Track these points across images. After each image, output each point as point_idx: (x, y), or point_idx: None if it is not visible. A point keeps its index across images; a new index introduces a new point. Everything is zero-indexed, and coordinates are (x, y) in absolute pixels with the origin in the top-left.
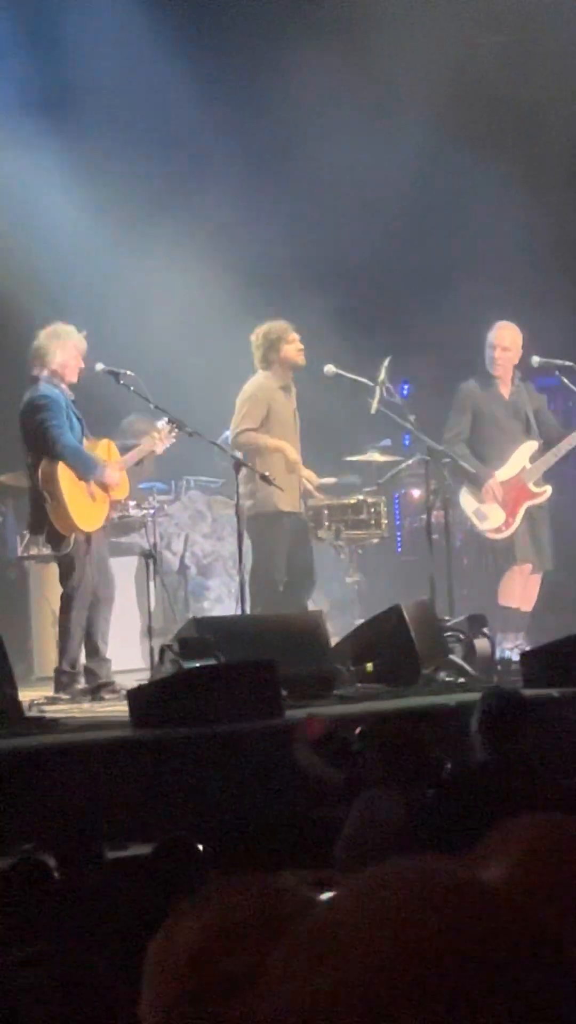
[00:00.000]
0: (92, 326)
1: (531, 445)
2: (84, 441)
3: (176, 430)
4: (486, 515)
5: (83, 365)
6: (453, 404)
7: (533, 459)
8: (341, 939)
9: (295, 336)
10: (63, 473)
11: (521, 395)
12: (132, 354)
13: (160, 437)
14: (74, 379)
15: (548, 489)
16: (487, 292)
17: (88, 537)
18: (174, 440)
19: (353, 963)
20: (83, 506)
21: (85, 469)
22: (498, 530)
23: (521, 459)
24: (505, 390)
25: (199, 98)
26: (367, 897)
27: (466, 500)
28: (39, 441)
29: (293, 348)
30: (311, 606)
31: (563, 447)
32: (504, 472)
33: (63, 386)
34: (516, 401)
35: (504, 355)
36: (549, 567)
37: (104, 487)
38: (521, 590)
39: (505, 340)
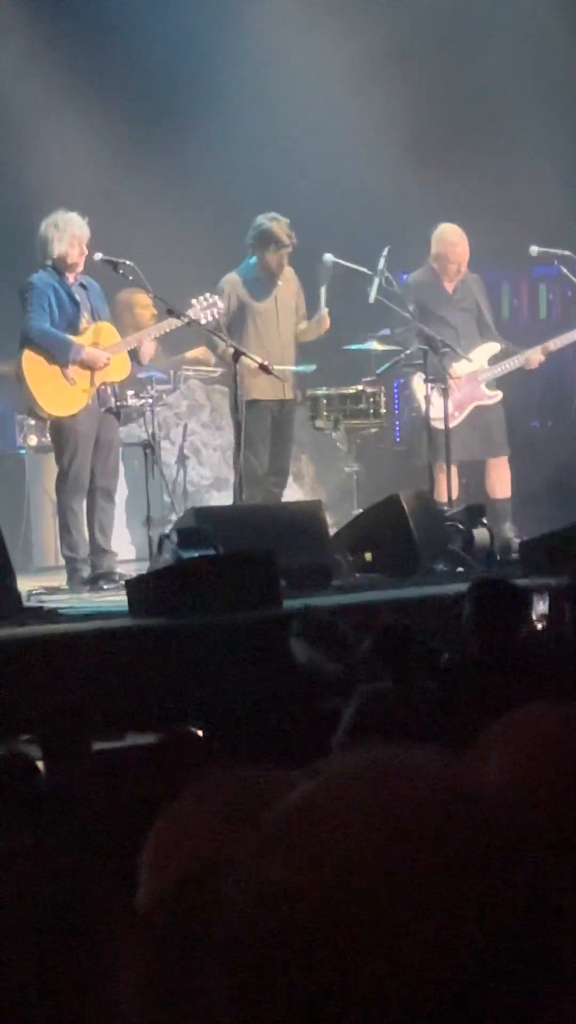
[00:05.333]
0: (91, 215)
1: (492, 346)
2: (81, 324)
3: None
4: (434, 403)
5: (87, 252)
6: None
7: (492, 361)
8: (306, 827)
9: (286, 246)
10: (28, 358)
11: (468, 290)
12: (131, 244)
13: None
14: (79, 264)
15: (499, 395)
16: (485, 183)
17: (73, 421)
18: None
19: (318, 852)
20: (54, 390)
21: (57, 351)
22: (440, 420)
23: (480, 358)
24: (449, 285)
25: None
26: (341, 786)
27: (418, 384)
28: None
29: (275, 258)
30: (309, 496)
31: (516, 360)
32: (461, 367)
33: (64, 271)
34: (462, 297)
35: (454, 251)
36: (505, 453)
37: (87, 368)
38: (495, 480)
39: (453, 235)
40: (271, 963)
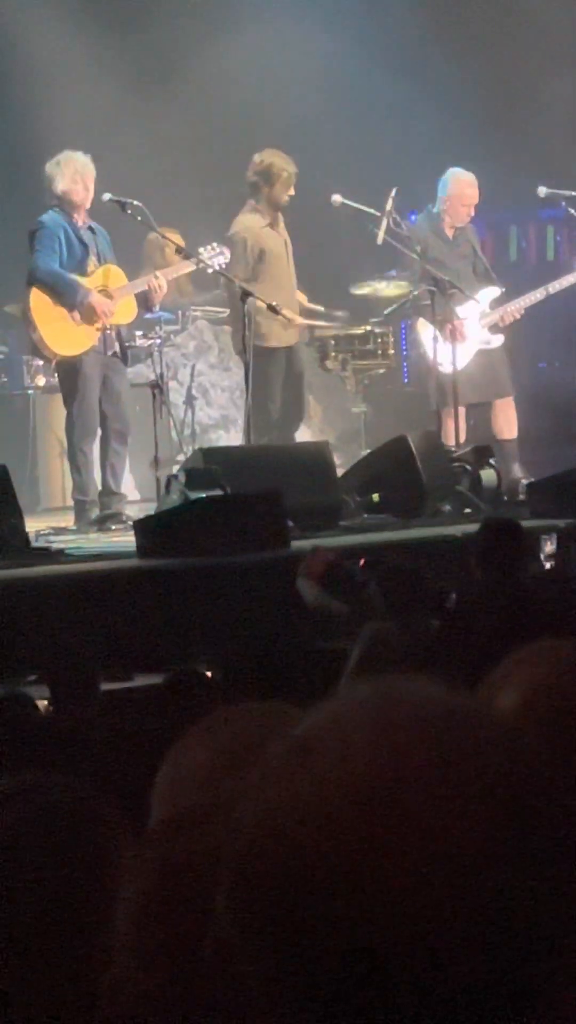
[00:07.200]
0: (99, 156)
1: (493, 290)
2: (89, 267)
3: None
4: (441, 345)
5: (91, 190)
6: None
7: (493, 305)
8: (312, 752)
9: (291, 179)
10: (35, 297)
11: (465, 237)
12: (139, 184)
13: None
14: (84, 203)
15: (501, 338)
16: (492, 123)
17: (78, 362)
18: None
19: (323, 775)
20: (60, 330)
21: (65, 293)
22: (446, 362)
23: (483, 302)
24: (450, 231)
25: None
26: (346, 712)
27: (424, 326)
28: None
29: (284, 189)
30: (317, 436)
31: (522, 302)
32: (463, 310)
33: (73, 212)
34: (460, 241)
35: (464, 193)
36: (510, 394)
37: (91, 312)
38: (500, 421)
39: (465, 178)
40: (276, 888)
